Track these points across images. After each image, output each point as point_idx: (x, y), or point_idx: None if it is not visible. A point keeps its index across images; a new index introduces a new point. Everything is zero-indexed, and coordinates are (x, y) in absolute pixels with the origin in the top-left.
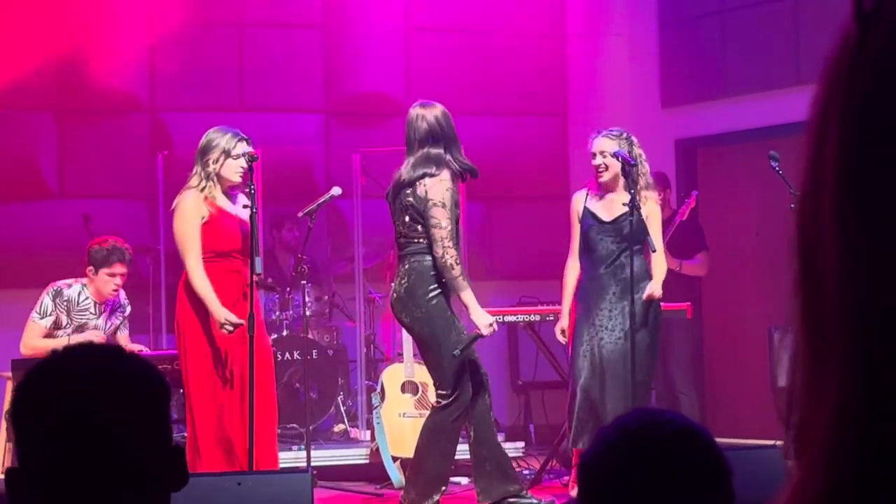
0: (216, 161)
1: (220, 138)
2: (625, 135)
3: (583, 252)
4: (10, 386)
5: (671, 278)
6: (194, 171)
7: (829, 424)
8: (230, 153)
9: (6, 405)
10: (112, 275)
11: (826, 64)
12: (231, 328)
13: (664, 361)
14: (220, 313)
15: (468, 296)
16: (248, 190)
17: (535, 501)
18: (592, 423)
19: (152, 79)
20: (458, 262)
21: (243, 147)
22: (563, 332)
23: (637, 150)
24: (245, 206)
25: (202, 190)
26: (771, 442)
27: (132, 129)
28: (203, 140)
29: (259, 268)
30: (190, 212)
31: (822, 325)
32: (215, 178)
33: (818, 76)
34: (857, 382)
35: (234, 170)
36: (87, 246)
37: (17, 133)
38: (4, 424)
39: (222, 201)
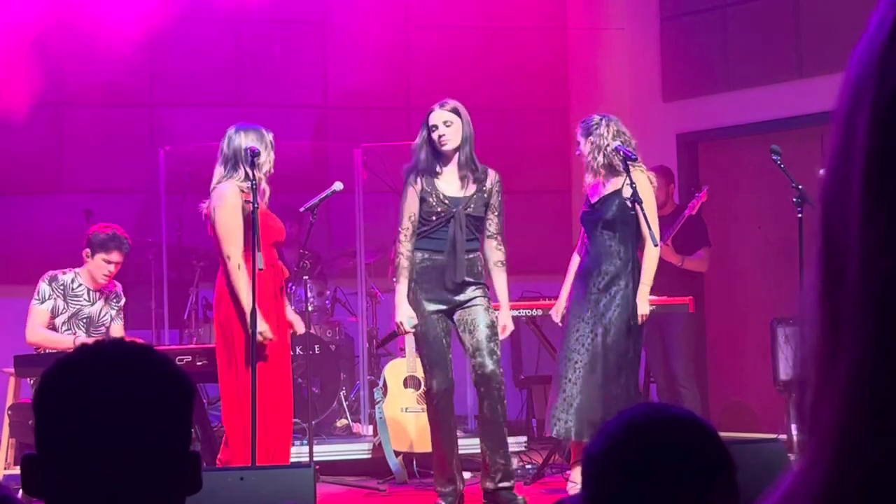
0: (271, 161)
1: (267, 136)
2: (586, 124)
3: (583, 238)
4: (12, 381)
5: (673, 272)
6: (238, 169)
7: (838, 410)
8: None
9: (8, 401)
10: (108, 261)
11: (857, 48)
12: (266, 337)
13: (665, 355)
14: (261, 323)
15: (397, 289)
16: (249, 185)
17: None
18: (575, 412)
19: (152, 74)
20: (399, 254)
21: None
22: (558, 312)
23: (601, 130)
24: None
25: (242, 186)
26: (773, 435)
27: (133, 124)
28: (253, 136)
29: (261, 263)
30: (236, 204)
31: (840, 311)
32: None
33: (848, 61)
34: (869, 370)
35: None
36: (89, 230)
37: (19, 128)
38: (7, 420)
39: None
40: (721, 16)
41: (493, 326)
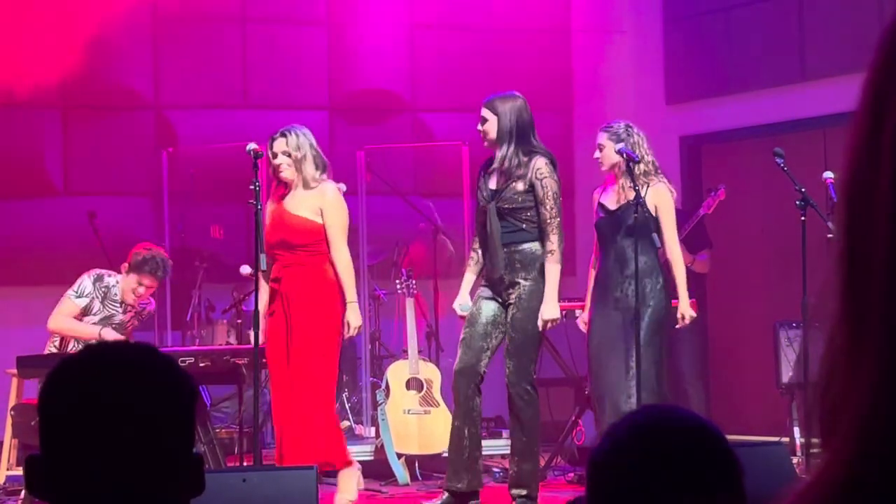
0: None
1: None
2: (614, 127)
3: (597, 245)
4: (15, 383)
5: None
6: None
7: (862, 409)
8: None
9: (11, 402)
10: (140, 283)
11: (881, 44)
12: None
13: (671, 356)
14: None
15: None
16: (252, 187)
17: None
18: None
19: (157, 76)
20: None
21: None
22: (583, 322)
23: (635, 139)
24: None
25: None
26: (776, 438)
27: (137, 126)
28: (309, 134)
29: (263, 264)
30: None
31: (863, 309)
32: None
33: (871, 58)
34: (893, 367)
35: None
36: (135, 246)
37: (23, 130)
38: (10, 421)
39: None
40: (725, 18)
41: (520, 331)
